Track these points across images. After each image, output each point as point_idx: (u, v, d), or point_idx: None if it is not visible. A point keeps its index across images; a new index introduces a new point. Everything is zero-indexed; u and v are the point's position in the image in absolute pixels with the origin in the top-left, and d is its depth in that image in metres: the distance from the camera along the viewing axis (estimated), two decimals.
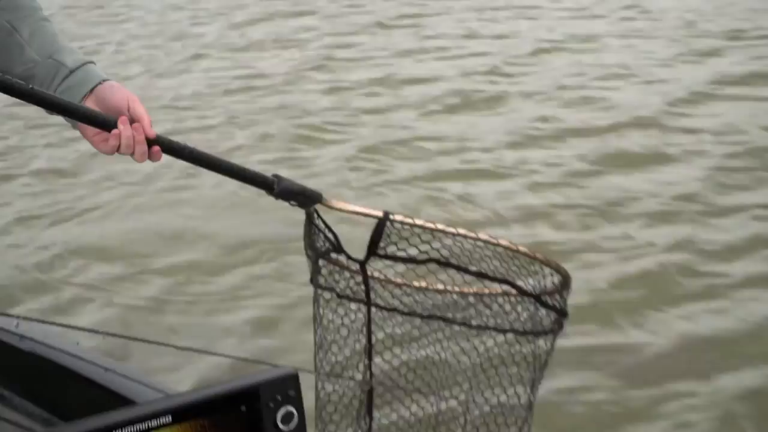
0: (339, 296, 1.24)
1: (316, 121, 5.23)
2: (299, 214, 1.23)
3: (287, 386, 0.83)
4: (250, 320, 2.89)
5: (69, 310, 2.95)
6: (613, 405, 2.64)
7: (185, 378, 2.17)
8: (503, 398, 1.26)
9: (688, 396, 2.66)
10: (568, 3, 8.07)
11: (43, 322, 1.31)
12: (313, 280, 1.26)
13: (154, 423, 0.74)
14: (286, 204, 1.19)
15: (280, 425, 0.82)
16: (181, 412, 0.75)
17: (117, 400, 1.22)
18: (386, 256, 1.18)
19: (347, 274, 1.22)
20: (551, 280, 1.20)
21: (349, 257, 1.23)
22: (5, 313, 1.66)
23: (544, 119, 5.10)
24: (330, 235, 1.22)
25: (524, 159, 4.63)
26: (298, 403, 0.84)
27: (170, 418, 0.74)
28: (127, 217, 3.84)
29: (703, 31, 7.20)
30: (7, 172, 4.56)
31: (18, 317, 1.60)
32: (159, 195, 4.05)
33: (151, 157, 1.02)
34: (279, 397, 0.81)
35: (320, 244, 1.23)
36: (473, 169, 4.47)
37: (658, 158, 4.52)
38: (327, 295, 1.25)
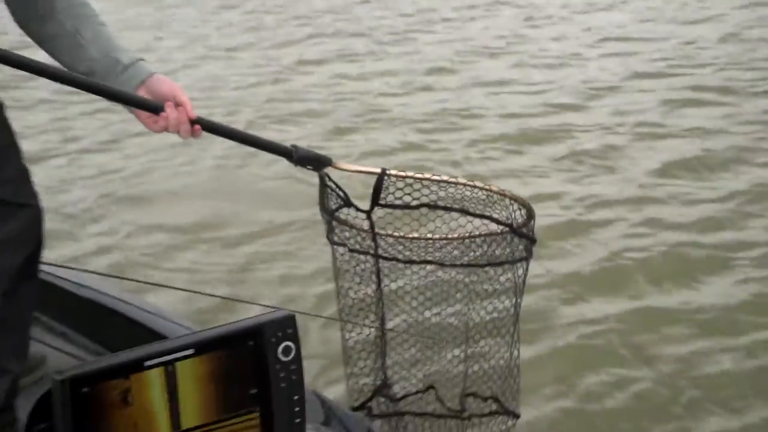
0: (350, 250, 1.46)
1: None
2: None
3: (286, 325, 1.01)
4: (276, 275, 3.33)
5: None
6: None
7: (210, 320, 2.50)
8: (494, 314, 1.56)
9: None
10: None
11: (97, 273, 1.58)
12: (329, 237, 1.48)
13: (180, 354, 0.93)
14: None
15: (281, 357, 1.00)
16: (202, 346, 0.94)
17: (153, 335, 1.46)
18: (386, 205, 1.41)
19: (355, 231, 1.44)
20: (519, 213, 1.42)
21: (357, 209, 1.45)
22: (69, 266, 1.99)
23: None
24: (341, 193, 1.43)
25: None
26: (296, 339, 1.02)
27: (193, 350, 0.93)
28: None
29: None
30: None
31: (78, 269, 1.93)
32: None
33: (193, 134, 1.23)
34: (280, 334, 0.99)
35: (333, 202, 1.43)
36: None
37: None
38: (341, 249, 1.47)
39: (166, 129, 1.23)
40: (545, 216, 3.50)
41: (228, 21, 8.84)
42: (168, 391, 0.91)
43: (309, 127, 5.36)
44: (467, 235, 1.45)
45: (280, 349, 0.99)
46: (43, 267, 1.29)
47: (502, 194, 1.43)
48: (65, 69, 1.20)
